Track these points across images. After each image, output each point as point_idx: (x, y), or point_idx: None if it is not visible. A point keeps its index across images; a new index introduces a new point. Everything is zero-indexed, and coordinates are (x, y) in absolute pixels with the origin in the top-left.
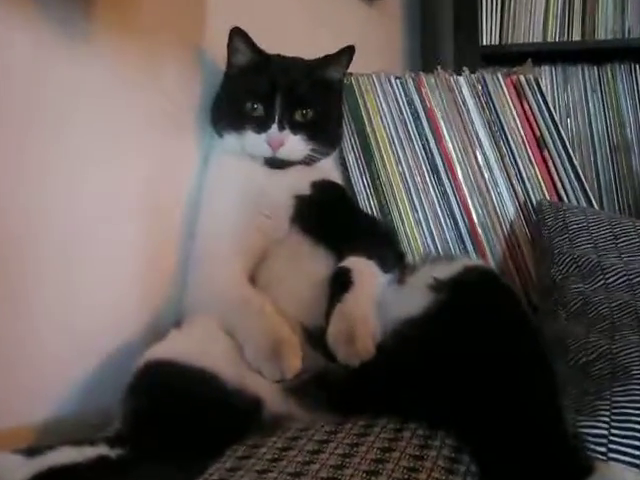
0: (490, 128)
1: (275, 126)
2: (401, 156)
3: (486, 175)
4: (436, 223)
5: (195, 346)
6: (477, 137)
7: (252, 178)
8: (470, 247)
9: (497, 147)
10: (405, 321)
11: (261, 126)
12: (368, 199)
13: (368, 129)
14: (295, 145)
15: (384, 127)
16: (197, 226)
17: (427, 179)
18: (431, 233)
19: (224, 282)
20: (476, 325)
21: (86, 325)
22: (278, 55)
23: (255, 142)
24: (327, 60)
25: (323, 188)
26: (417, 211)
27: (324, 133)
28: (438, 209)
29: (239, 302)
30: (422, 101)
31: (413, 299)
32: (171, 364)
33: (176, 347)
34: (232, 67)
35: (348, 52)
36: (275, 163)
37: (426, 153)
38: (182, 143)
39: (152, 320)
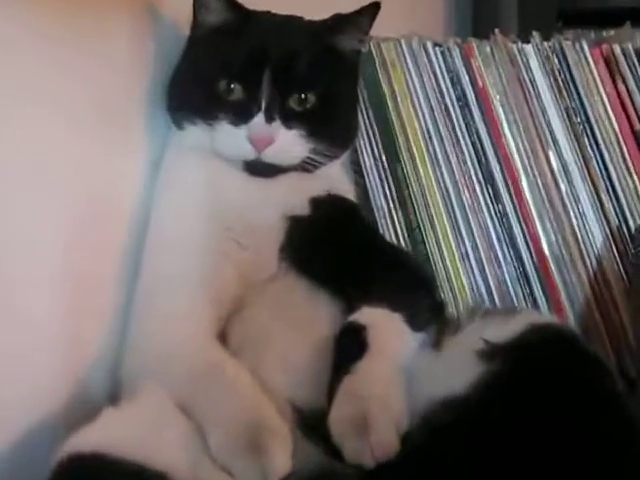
0: (569, 119)
1: (261, 115)
2: (440, 157)
3: (563, 187)
4: (489, 256)
5: (137, 433)
6: (550, 132)
7: (225, 190)
8: (538, 292)
9: (579, 147)
10: (443, 403)
11: (240, 115)
12: (392, 219)
13: (394, 117)
14: (289, 144)
15: (416, 115)
16: (143, 260)
17: (477, 192)
18: (482, 271)
19: (181, 341)
20: (545, 411)
21: None
22: (267, 13)
23: (231, 138)
24: (339, 22)
25: (327, 206)
26: (462, 238)
27: (331, 127)
28: (493, 236)
29: (203, 370)
30: (472, 79)
31: (455, 370)
32: (103, 459)
33: (110, 434)
34: (198, 29)
35: (371, 11)
36: (260, 169)
37: (476, 154)
38: (123, 140)
39: (78, 392)
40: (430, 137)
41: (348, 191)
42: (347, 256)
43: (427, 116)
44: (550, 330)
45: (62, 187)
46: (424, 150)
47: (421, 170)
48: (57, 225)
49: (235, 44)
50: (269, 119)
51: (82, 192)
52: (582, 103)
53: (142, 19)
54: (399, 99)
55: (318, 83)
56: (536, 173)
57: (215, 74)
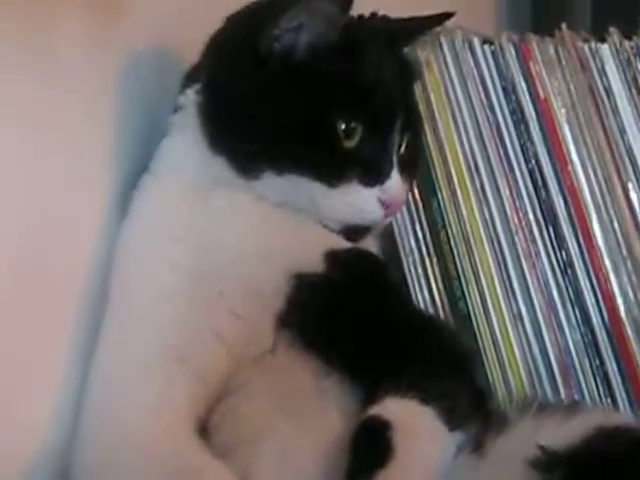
0: None
1: (396, 173)
2: (488, 189)
3: None
4: (549, 318)
5: None
6: (631, 157)
7: (220, 238)
8: (611, 365)
9: None
10: None
11: (374, 173)
12: (424, 267)
13: (428, 136)
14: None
15: (457, 133)
16: (104, 327)
17: (535, 235)
18: (539, 337)
19: (150, 435)
20: None
21: None
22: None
23: (359, 201)
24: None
25: (347, 263)
26: (514, 294)
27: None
28: (554, 292)
29: (182, 475)
30: (530, 87)
31: None
32: None
33: None
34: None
35: (443, 20)
36: (360, 232)
37: (535, 186)
38: (86, 162)
39: None
40: (476, 163)
41: (371, 244)
42: (368, 330)
43: (472, 135)
44: (625, 433)
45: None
46: (467, 180)
47: (463, 205)
48: None
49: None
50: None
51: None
52: None
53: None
54: (436, 111)
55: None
56: (611, 211)
57: (328, 111)
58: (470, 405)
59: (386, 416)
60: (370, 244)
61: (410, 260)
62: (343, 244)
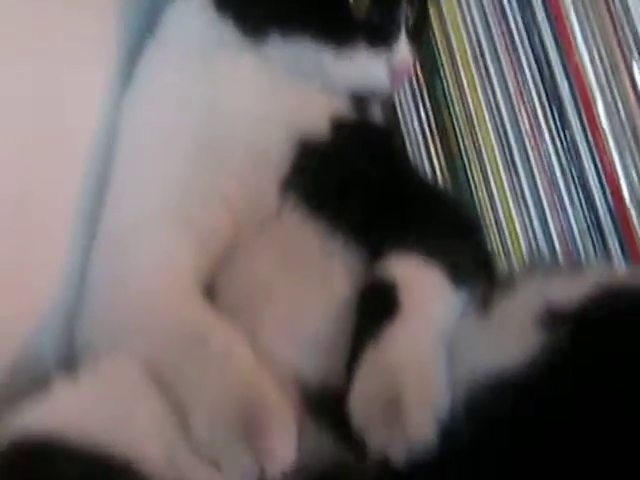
0: None
1: (404, 38)
2: (492, 69)
3: None
4: (552, 198)
5: (99, 412)
6: (635, 38)
7: (226, 104)
8: (613, 245)
9: None
10: (492, 381)
11: (382, 37)
12: (426, 148)
13: (432, 16)
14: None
15: (461, 13)
16: (109, 196)
17: (539, 115)
18: (542, 217)
19: (156, 294)
20: (623, 396)
21: None
22: None
23: (366, 68)
24: None
25: (353, 129)
26: (517, 174)
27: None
28: (557, 172)
29: (184, 332)
30: None
31: (507, 340)
32: (56, 446)
33: (65, 413)
34: None
35: None
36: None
37: (539, 66)
38: (85, 30)
39: (20, 353)
40: (479, 42)
41: (376, 113)
42: (373, 192)
43: (475, 13)
44: (628, 293)
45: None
46: (470, 58)
47: (466, 86)
48: None
49: None
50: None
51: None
52: None
53: None
54: None
55: None
56: (615, 93)
57: None
58: (476, 264)
59: (391, 274)
60: (375, 113)
61: (412, 138)
62: (348, 111)
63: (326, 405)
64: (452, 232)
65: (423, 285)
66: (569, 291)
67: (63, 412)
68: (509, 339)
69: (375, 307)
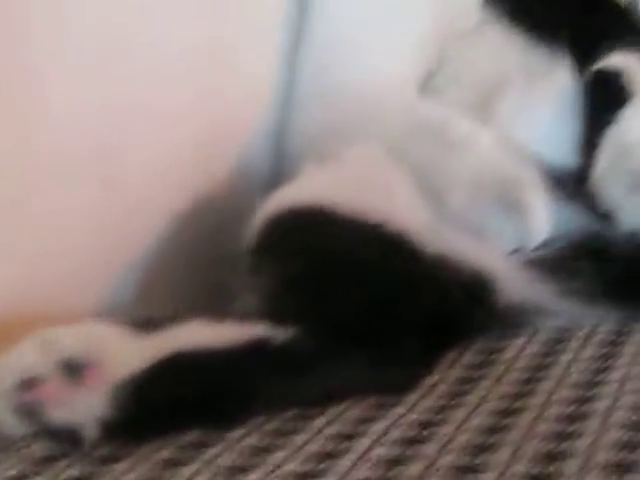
0: None
1: None
2: None
3: None
4: None
5: (359, 188)
6: None
7: None
8: None
9: None
10: None
11: None
12: None
13: None
14: None
15: None
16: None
17: None
18: None
19: (390, 94)
20: None
21: None
22: None
23: None
24: None
25: None
26: None
27: None
28: None
29: (426, 123)
30: None
31: None
32: (327, 212)
33: (326, 189)
34: None
35: None
36: None
37: None
38: None
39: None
40: None
41: None
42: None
43: None
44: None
45: None
46: None
47: None
48: None
49: None
50: None
51: None
52: None
53: None
54: None
55: None
56: None
57: None
58: None
59: (615, 66)
60: None
61: None
62: None
63: (566, 183)
64: None
65: None
66: None
67: (324, 189)
68: None
69: (605, 94)
